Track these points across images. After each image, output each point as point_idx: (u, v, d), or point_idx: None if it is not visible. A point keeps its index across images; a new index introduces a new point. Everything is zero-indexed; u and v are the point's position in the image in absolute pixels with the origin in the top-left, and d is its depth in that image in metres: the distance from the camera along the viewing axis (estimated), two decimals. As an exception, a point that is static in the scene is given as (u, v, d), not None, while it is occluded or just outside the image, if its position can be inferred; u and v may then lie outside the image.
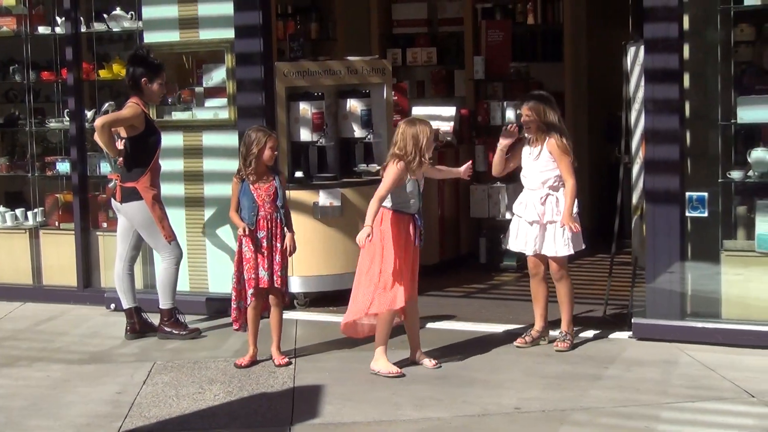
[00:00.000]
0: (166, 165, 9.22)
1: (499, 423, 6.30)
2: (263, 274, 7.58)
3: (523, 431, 6.17)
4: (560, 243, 7.69)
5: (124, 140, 8.36)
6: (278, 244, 7.62)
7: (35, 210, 10.16)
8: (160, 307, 8.49)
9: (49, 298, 9.83)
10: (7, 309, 9.65)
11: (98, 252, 9.66)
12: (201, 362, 7.74)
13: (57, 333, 8.85)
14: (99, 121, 8.29)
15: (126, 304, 8.57)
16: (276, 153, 7.67)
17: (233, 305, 7.70)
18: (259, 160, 7.57)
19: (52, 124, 10.20)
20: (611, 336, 8.09)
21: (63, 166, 9.95)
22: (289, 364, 7.62)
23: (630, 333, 8.01)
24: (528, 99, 7.87)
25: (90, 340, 8.56)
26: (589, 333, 8.18)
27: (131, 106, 8.28)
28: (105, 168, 9.60)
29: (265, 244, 7.58)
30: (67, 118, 9.82)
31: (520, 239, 7.83)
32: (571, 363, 7.43)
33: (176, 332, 8.44)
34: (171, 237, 8.40)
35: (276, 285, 7.63)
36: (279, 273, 7.64)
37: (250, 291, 7.60)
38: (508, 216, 9.41)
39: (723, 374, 7.07)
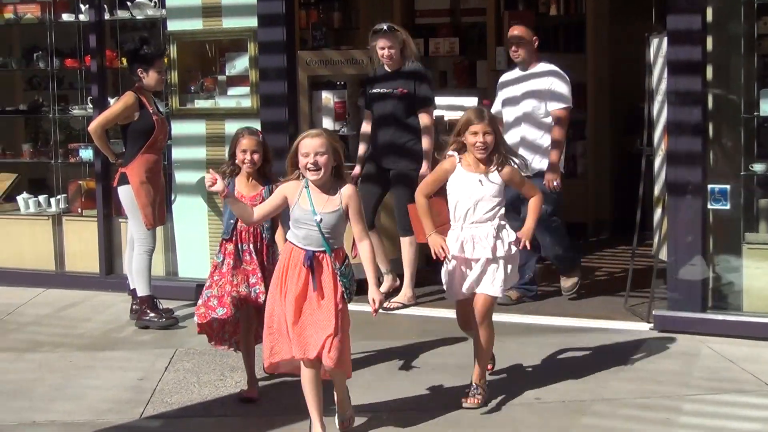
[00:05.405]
0: (189, 153, 9.30)
1: (520, 413, 6.30)
2: (246, 290, 6.63)
3: (544, 422, 6.17)
4: (498, 282, 6.40)
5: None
6: (263, 262, 6.67)
7: (58, 197, 10.21)
8: (138, 295, 8.55)
9: (71, 285, 9.87)
10: (29, 295, 9.70)
11: (120, 239, 9.68)
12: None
13: (79, 319, 8.90)
14: (92, 127, 8.54)
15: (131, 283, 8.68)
16: (255, 157, 6.66)
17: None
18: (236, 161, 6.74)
19: (76, 111, 10.25)
20: (632, 328, 8.08)
21: (86, 153, 9.99)
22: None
23: (651, 325, 8.00)
24: (480, 114, 6.42)
25: (112, 327, 8.60)
26: (610, 324, 8.18)
27: (123, 99, 8.48)
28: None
29: (247, 258, 6.66)
30: (90, 106, 9.86)
31: (458, 282, 6.51)
32: (591, 354, 7.43)
33: (156, 319, 8.47)
34: (151, 224, 8.48)
35: (259, 302, 6.52)
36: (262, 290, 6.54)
37: (219, 311, 6.59)
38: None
39: (744, 367, 7.07)
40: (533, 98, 8.80)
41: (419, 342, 7.80)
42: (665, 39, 7.98)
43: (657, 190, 8.65)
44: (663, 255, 8.24)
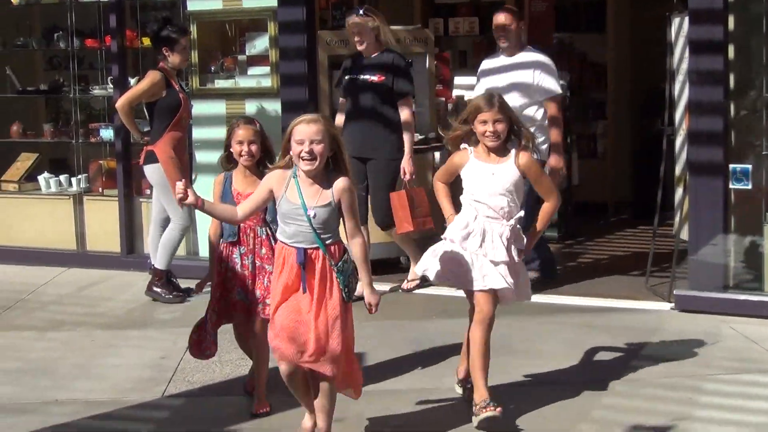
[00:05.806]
0: (210, 133, 9.31)
1: (541, 393, 6.30)
2: (239, 297, 6.10)
3: (564, 401, 6.16)
4: (527, 285, 6.18)
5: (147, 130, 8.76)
6: (266, 267, 6.01)
7: (79, 176, 10.25)
8: (155, 266, 8.67)
9: (92, 264, 9.92)
10: (51, 274, 9.75)
11: (141, 218, 9.72)
12: (243, 329, 7.79)
13: (101, 298, 8.95)
14: (119, 103, 8.63)
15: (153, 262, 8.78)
16: (252, 148, 6.00)
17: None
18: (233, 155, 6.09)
19: (96, 91, 10.29)
20: (653, 307, 8.08)
21: (106, 133, 10.03)
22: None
23: (672, 305, 7.99)
24: (489, 100, 5.85)
25: (133, 306, 8.64)
26: (631, 304, 8.17)
27: (149, 76, 8.58)
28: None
29: (246, 262, 6.05)
30: (111, 86, 9.89)
31: (466, 274, 5.88)
32: (612, 334, 7.42)
33: (164, 294, 8.59)
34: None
35: (264, 315, 5.97)
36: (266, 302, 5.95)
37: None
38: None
39: (766, 347, 7.06)
40: (520, 88, 8.35)
41: (437, 322, 7.80)
42: (686, 18, 7.94)
43: (678, 169, 8.63)
44: (684, 235, 8.22)
